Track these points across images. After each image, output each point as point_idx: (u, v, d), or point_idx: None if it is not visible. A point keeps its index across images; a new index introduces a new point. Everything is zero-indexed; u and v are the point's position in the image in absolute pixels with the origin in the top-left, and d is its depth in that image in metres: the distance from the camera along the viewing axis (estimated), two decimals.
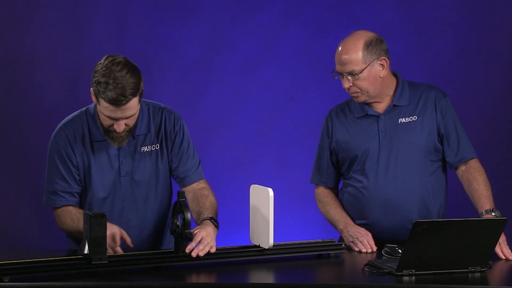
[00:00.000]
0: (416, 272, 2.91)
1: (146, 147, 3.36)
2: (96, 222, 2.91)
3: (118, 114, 3.17)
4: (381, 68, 3.45)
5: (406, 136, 3.48)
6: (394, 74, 3.57)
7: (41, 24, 4.93)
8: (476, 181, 3.46)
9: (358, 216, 3.52)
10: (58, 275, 2.89)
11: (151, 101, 3.43)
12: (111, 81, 3.13)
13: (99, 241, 2.92)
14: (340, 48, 3.45)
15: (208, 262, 3.10)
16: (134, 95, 3.15)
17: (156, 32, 5.01)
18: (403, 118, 3.50)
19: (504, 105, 4.94)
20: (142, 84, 3.20)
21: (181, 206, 3.07)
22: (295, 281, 2.99)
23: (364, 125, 3.53)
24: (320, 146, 3.67)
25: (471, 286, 2.85)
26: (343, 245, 3.29)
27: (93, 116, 3.31)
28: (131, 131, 3.29)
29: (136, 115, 3.25)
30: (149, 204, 3.39)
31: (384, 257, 3.21)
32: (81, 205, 3.38)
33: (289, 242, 3.32)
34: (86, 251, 2.92)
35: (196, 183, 3.44)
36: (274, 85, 5.03)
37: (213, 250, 3.09)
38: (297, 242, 3.31)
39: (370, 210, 3.48)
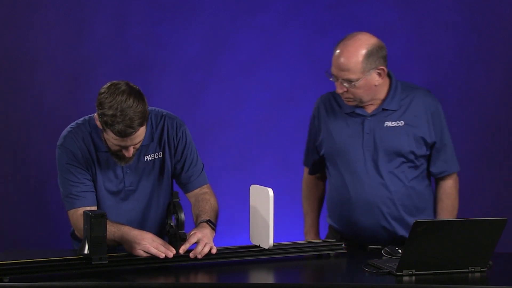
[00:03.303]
0: (416, 272, 2.91)
1: (149, 155, 3.33)
2: (96, 222, 2.91)
3: (127, 142, 3.12)
4: (377, 77, 3.40)
5: (390, 140, 3.44)
6: (388, 74, 3.50)
7: (41, 24, 4.94)
8: (441, 202, 3.55)
9: (339, 216, 3.52)
10: (58, 275, 2.89)
11: (153, 108, 3.38)
12: (118, 114, 3.04)
13: (99, 241, 2.92)
14: (339, 52, 3.38)
15: (208, 262, 3.10)
16: (142, 125, 3.09)
17: (156, 32, 5.01)
18: (390, 122, 3.45)
19: (504, 105, 4.93)
20: (147, 109, 3.14)
21: (174, 206, 3.07)
22: (295, 281, 2.99)
23: (350, 122, 3.49)
24: (310, 130, 3.66)
25: (471, 286, 2.85)
26: (343, 245, 3.29)
27: (96, 128, 3.24)
28: (137, 150, 3.27)
29: (143, 137, 3.21)
30: (152, 210, 3.38)
31: (384, 257, 3.21)
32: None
33: (289, 242, 3.32)
34: (86, 251, 2.92)
35: (199, 188, 3.42)
36: (274, 85, 5.03)
37: (214, 251, 3.08)
38: (297, 242, 3.31)
39: (350, 211, 3.46)
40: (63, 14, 4.95)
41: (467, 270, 2.95)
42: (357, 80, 3.35)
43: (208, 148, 4.85)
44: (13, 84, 4.95)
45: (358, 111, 3.47)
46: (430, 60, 4.99)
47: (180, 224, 3.03)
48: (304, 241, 3.31)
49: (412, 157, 3.44)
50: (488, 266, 2.98)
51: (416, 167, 3.48)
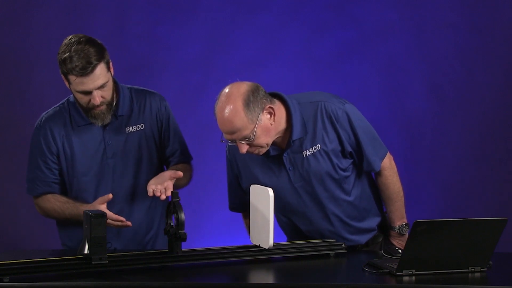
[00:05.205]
0: (416, 272, 2.91)
1: (131, 127, 3.45)
2: (96, 222, 2.91)
3: (89, 85, 3.26)
4: (269, 116, 3.22)
5: (316, 168, 3.31)
6: (281, 99, 3.32)
7: (41, 24, 4.94)
8: (383, 193, 3.41)
9: (291, 235, 3.47)
10: (58, 275, 2.89)
11: (134, 86, 3.52)
12: (73, 54, 3.26)
13: (99, 241, 2.92)
14: (220, 117, 3.17)
15: (208, 262, 3.10)
16: (99, 61, 3.26)
17: (156, 32, 5.01)
18: (307, 151, 3.30)
19: (505, 105, 4.94)
20: (106, 54, 3.31)
21: (175, 206, 3.07)
22: (295, 281, 2.99)
23: (271, 164, 3.34)
24: (229, 175, 3.49)
25: (471, 286, 2.84)
26: (343, 245, 3.29)
27: (74, 104, 3.42)
28: (111, 107, 3.36)
29: (110, 86, 3.33)
30: (137, 182, 3.42)
31: (384, 257, 3.21)
32: (66, 190, 3.45)
33: (289, 242, 3.32)
34: (86, 251, 2.92)
35: (182, 164, 3.54)
36: (274, 85, 5.01)
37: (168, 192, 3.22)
38: (297, 242, 3.31)
39: (304, 234, 3.41)
40: (63, 14, 4.95)
41: (467, 270, 2.95)
42: (252, 132, 3.17)
43: (208, 148, 4.85)
44: (13, 84, 4.95)
45: (272, 152, 3.31)
46: (430, 60, 4.99)
47: (180, 224, 3.03)
48: (304, 241, 3.31)
49: (341, 172, 3.34)
50: (488, 266, 2.98)
51: (348, 176, 3.37)
